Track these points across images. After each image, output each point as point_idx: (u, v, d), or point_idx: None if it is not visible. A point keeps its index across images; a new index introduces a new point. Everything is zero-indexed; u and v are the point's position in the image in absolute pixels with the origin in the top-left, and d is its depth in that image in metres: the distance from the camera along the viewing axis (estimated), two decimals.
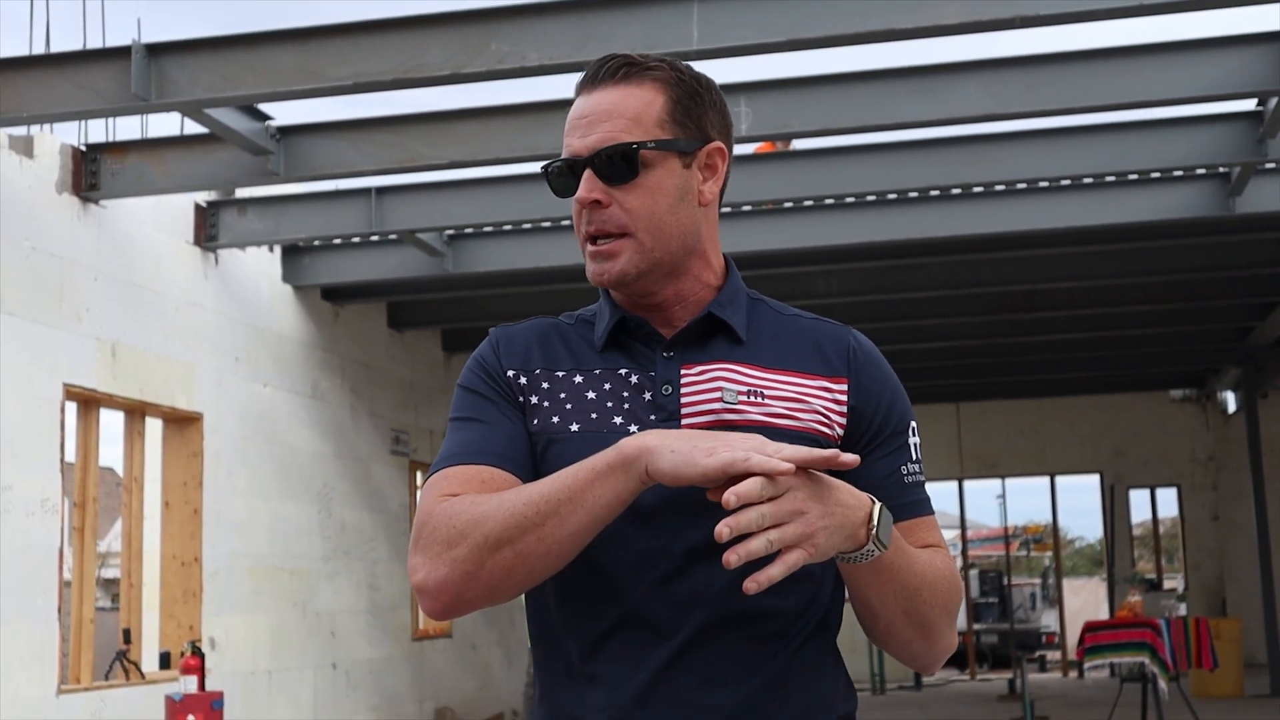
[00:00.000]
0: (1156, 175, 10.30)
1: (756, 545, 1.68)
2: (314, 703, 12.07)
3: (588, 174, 1.97)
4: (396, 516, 14.03)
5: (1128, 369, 19.09)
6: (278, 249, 12.02)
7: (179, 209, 10.58)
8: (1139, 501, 23.29)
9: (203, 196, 10.77)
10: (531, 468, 1.96)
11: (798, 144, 10.75)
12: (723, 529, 1.66)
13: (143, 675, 9.79)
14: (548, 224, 11.29)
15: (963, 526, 23.76)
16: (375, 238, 11.55)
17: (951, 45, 29.54)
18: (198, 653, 8.88)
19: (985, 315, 14.52)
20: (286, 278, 12.12)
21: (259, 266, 11.79)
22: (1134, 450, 21.58)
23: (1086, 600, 32.59)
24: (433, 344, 15.33)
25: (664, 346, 2.00)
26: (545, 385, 2.01)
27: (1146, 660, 13.15)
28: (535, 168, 10.24)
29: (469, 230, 11.58)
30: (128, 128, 37.74)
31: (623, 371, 1.99)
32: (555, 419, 1.97)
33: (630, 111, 1.97)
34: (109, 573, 25.14)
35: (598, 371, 2.00)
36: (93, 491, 9.50)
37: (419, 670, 14.31)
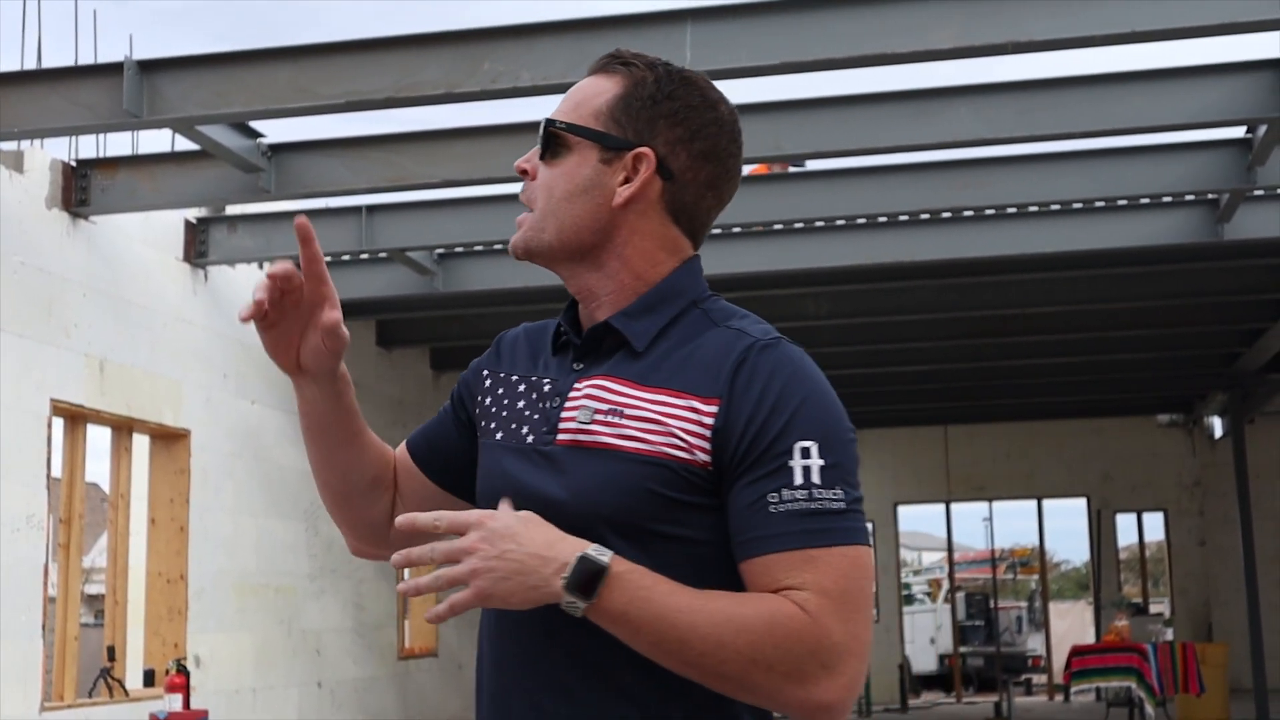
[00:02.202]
0: (1146, 201, 10.33)
1: (423, 581, 1.76)
2: None
3: (536, 147, 2.03)
4: None
5: (1115, 394, 19.13)
6: (268, 266, 12.00)
7: (169, 225, 10.56)
8: (1126, 525, 23.28)
9: (193, 213, 10.76)
10: (443, 463, 2.11)
11: (807, 165, 10.77)
12: (397, 558, 1.79)
13: (127, 693, 9.74)
14: None
15: (949, 549, 23.77)
16: (365, 256, 11.54)
17: (945, 70, 29.66)
18: (182, 670, 8.84)
19: (974, 338, 14.54)
20: None
21: (249, 283, 11.76)
22: (1121, 474, 21.61)
23: (1073, 624, 32.56)
24: (421, 362, 15.32)
25: (577, 356, 1.99)
26: (499, 390, 2.05)
27: (1133, 685, 13.15)
28: None
29: (459, 249, 11.58)
30: (118, 144, 37.66)
31: (545, 380, 2.00)
32: (492, 424, 2.02)
33: (581, 96, 2.01)
34: (93, 589, 25.03)
35: (533, 379, 2.02)
36: (78, 508, 9.46)
37: (404, 689, 14.26)
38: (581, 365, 1.97)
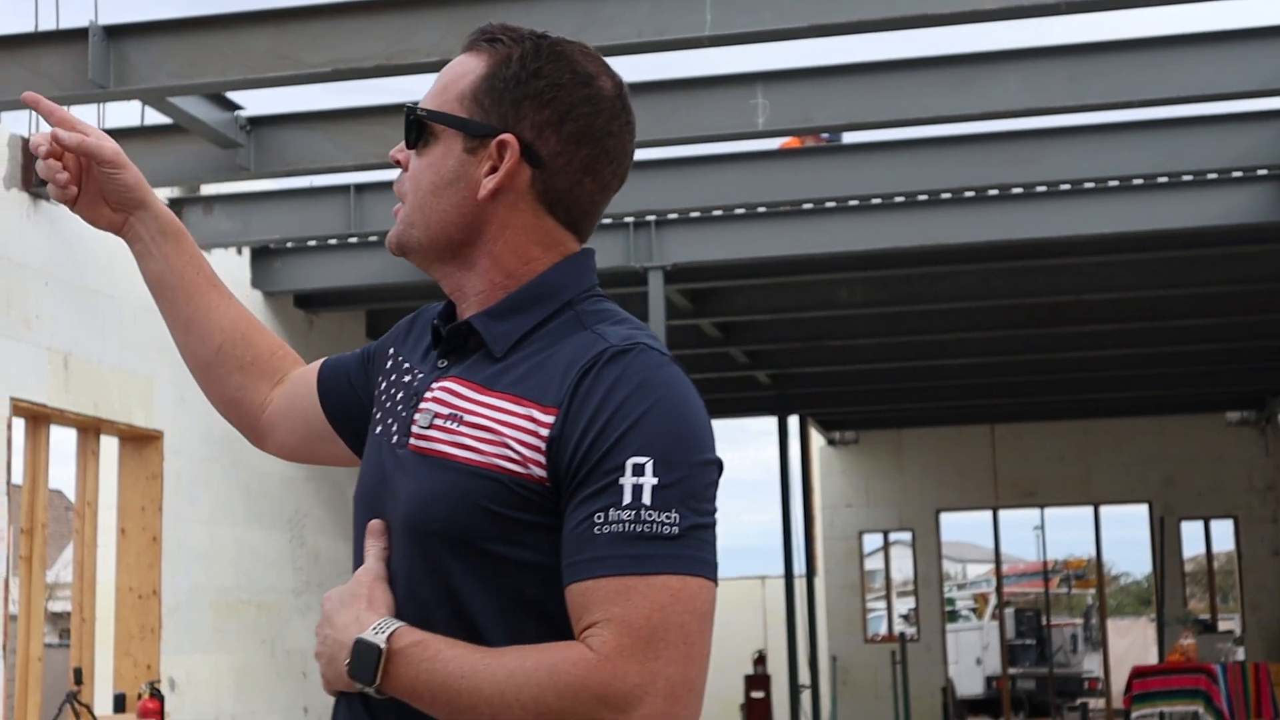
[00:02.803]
0: (1213, 176, 10.30)
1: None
2: None
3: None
4: None
5: (1180, 389, 19.08)
6: (247, 251, 12.03)
7: None
8: (1192, 534, 23.18)
9: (165, 193, 10.78)
10: (338, 403, 2.20)
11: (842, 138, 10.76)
12: None
13: (95, 719, 9.78)
14: None
15: (997, 560, 23.75)
16: (354, 239, 11.56)
17: (990, 33, 29.58)
18: (156, 694, 8.88)
19: (1023, 329, 14.52)
20: (256, 283, 12.13)
21: (226, 271, 11.78)
22: (1186, 478, 21.56)
23: (1133, 643, 32.55)
24: None
25: (441, 353, 2.01)
26: (392, 376, 2.09)
27: (1200, 709, 13.14)
28: None
29: None
30: (83, 118, 38.03)
31: (417, 375, 2.03)
32: (377, 413, 2.07)
33: (446, 79, 2.01)
34: (58, 606, 25.11)
35: (408, 367, 2.07)
36: (41, 516, 9.49)
37: None
38: (445, 363, 1.99)
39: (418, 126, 1.99)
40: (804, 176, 10.13)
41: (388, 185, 10.55)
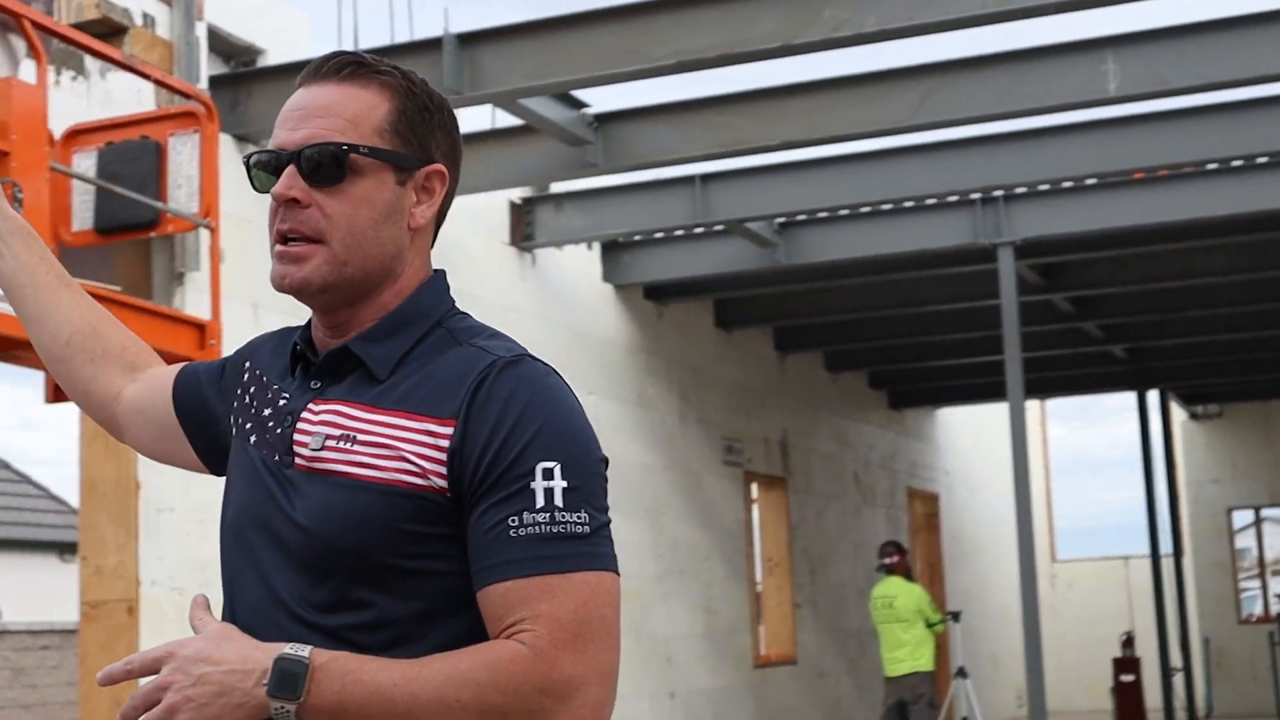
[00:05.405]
0: None
1: None
2: None
3: (290, 170, 1.98)
4: (732, 533, 14.16)
5: None
6: (597, 246, 12.28)
7: (492, 208, 10.92)
8: None
9: (517, 193, 11.10)
10: (192, 410, 2.23)
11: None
12: (101, 678, 1.90)
13: None
14: (889, 206, 11.22)
15: None
16: (700, 229, 11.68)
17: None
18: None
19: None
20: (607, 276, 12.37)
21: (577, 265, 12.07)
22: None
23: None
24: (764, 343, 15.42)
25: (315, 375, 2.03)
26: (253, 389, 2.12)
27: None
28: (875, 145, 10.21)
29: (802, 217, 11.60)
30: None
31: (284, 395, 2.05)
32: (247, 425, 2.09)
33: (349, 112, 2.00)
34: None
35: (275, 388, 2.08)
36: None
37: (761, 701, 14.40)
38: (319, 385, 2.02)
39: (341, 163, 1.98)
40: (1158, 142, 9.79)
41: (732, 174, 10.63)
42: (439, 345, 2.00)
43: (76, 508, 7.95)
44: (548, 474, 1.87)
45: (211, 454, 2.24)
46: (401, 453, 1.90)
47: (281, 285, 2.01)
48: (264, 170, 2.03)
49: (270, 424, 2.04)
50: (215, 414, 2.20)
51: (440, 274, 2.10)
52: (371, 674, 1.82)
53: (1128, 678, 17.02)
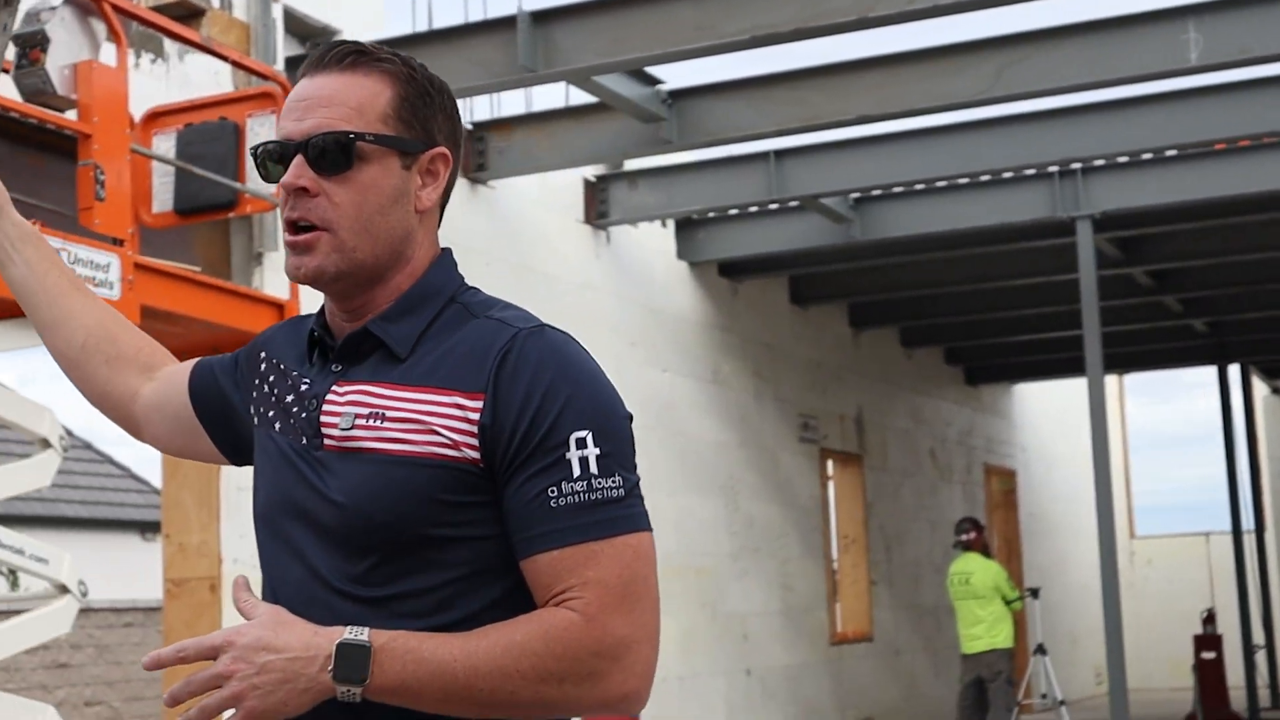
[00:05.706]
0: None
1: (189, 715, 1.87)
2: (727, 712, 12.28)
3: (298, 159, 2.02)
4: (808, 510, 14.13)
5: None
6: (671, 223, 12.27)
7: (567, 186, 10.93)
8: None
9: (591, 171, 11.10)
10: (208, 404, 2.26)
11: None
12: (148, 662, 1.92)
13: None
14: (965, 180, 11.14)
15: None
16: (774, 206, 11.65)
17: None
18: None
19: None
20: (681, 254, 12.36)
21: (652, 243, 12.06)
22: None
23: None
24: (840, 320, 15.36)
25: (335, 358, 2.07)
26: (272, 377, 2.16)
27: None
28: (950, 119, 10.13)
29: (877, 192, 11.53)
30: (510, 103, 39.31)
31: (305, 380, 2.09)
32: (270, 414, 2.13)
33: (353, 100, 2.03)
34: None
35: (295, 374, 2.12)
36: None
37: (838, 678, 14.38)
38: (340, 367, 2.06)
39: (348, 151, 2.01)
40: (1239, 112, 9.65)
41: (807, 150, 10.59)
42: (456, 320, 2.04)
43: (158, 487, 8.06)
44: (580, 443, 1.93)
45: (230, 445, 2.29)
46: (432, 426, 1.95)
47: (296, 275, 2.06)
48: (272, 160, 2.07)
49: (294, 409, 2.08)
50: (232, 405, 2.25)
51: (447, 252, 2.14)
52: (432, 650, 1.86)
53: (1209, 655, 16.82)
